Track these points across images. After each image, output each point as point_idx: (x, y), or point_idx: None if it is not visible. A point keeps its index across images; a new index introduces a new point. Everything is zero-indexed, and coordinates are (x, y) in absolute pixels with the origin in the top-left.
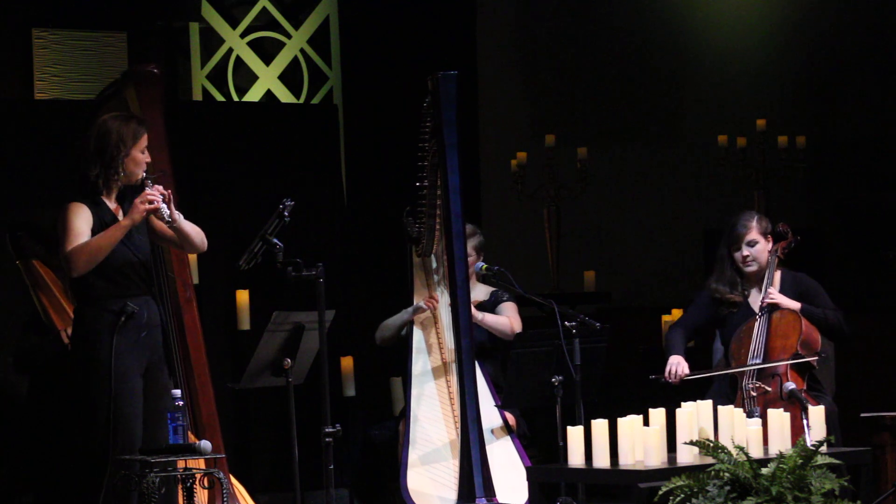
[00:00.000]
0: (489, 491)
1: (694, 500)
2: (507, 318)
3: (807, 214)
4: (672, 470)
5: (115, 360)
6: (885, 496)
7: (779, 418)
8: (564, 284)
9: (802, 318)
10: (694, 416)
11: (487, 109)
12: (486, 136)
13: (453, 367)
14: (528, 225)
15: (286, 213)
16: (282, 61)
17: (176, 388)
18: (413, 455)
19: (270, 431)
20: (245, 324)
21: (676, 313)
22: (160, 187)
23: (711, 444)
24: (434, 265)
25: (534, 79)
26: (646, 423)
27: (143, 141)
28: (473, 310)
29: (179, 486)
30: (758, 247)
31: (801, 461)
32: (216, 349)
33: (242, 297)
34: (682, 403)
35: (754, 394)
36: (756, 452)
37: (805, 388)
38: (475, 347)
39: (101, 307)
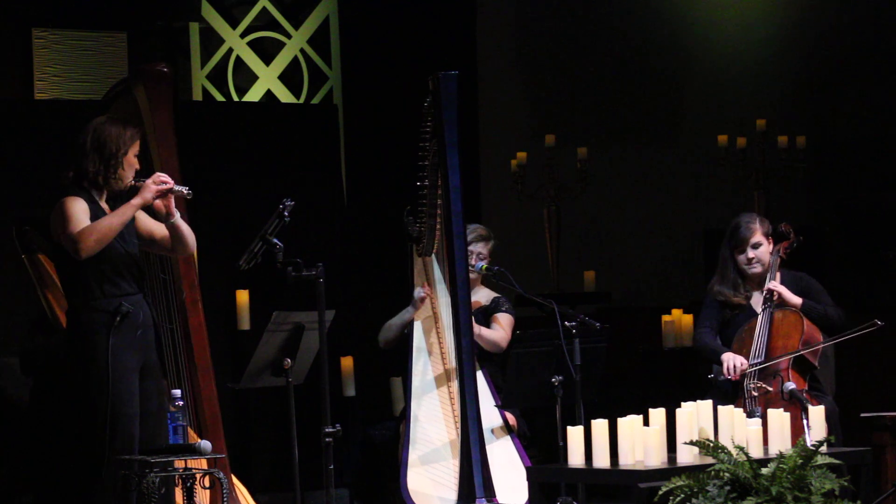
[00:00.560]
0: (489, 491)
1: (694, 500)
2: (501, 332)
3: (807, 214)
4: (672, 470)
5: (112, 360)
6: (885, 496)
7: (779, 418)
8: (564, 284)
9: (804, 318)
10: (694, 416)
11: (487, 109)
12: (486, 136)
13: (453, 367)
14: (528, 225)
15: (286, 213)
16: (282, 61)
17: (176, 388)
18: (413, 455)
19: (270, 431)
20: (245, 324)
21: (676, 313)
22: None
23: (711, 444)
24: (434, 265)
25: (534, 79)
26: (646, 423)
27: (137, 145)
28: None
29: (178, 487)
30: (762, 249)
31: (801, 461)
32: (216, 349)
33: (242, 297)
34: (682, 403)
35: (755, 394)
36: (756, 452)
37: (806, 388)
38: (475, 348)
39: (97, 307)
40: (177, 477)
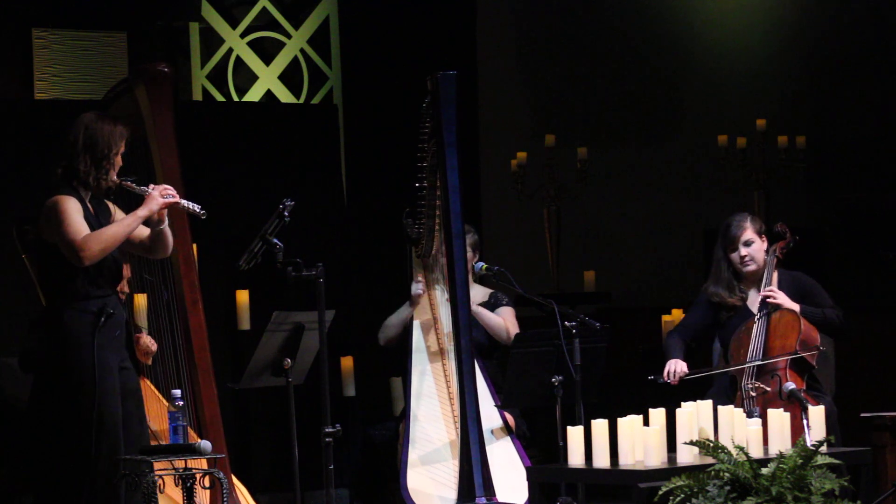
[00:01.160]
0: (489, 490)
1: (694, 500)
2: (502, 319)
3: (807, 214)
4: (672, 470)
5: (97, 359)
6: (885, 496)
7: (779, 418)
8: (564, 284)
9: (801, 318)
10: (694, 416)
11: (487, 109)
12: (486, 136)
13: (453, 367)
14: (528, 225)
15: (286, 213)
16: (282, 61)
17: (176, 388)
18: (413, 454)
19: (270, 431)
20: (245, 324)
21: (676, 313)
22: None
23: (711, 444)
24: (433, 266)
25: (534, 79)
26: (646, 423)
27: (123, 144)
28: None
29: (178, 487)
30: (754, 246)
31: (801, 461)
32: (216, 349)
33: (242, 297)
34: (682, 403)
35: (754, 394)
36: (756, 452)
37: (805, 388)
38: (475, 347)
39: (83, 308)
40: (177, 477)
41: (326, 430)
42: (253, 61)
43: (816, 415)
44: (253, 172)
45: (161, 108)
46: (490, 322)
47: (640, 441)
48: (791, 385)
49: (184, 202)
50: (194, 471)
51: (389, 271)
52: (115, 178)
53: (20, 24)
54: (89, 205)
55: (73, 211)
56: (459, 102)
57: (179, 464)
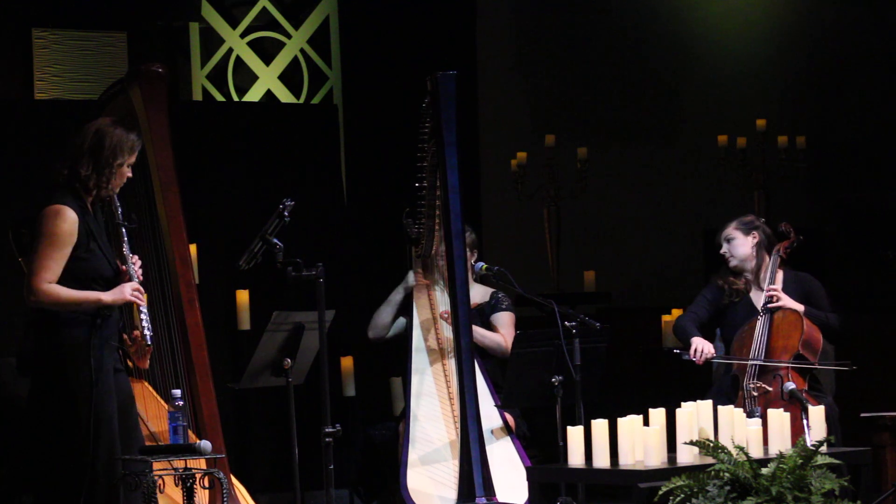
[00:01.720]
0: (489, 490)
1: (694, 500)
2: (500, 336)
3: (807, 214)
4: (672, 470)
5: (94, 360)
6: (885, 496)
7: (779, 418)
8: (564, 284)
9: (804, 318)
10: (694, 416)
11: (487, 109)
12: (486, 136)
13: (453, 366)
14: (528, 225)
15: (286, 213)
16: (282, 61)
17: (175, 388)
18: (413, 454)
19: (270, 431)
20: (245, 324)
21: (676, 313)
22: (139, 265)
23: (711, 444)
24: (433, 266)
25: (534, 79)
26: (646, 423)
27: (134, 157)
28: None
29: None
30: (734, 242)
31: (801, 461)
32: (216, 349)
33: (242, 297)
34: (682, 403)
35: (755, 394)
36: (756, 452)
37: (806, 388)
38: (475, 347)
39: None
40: (176, 477)
41: (326, 430)
42: (253, 61)
43: (817, 415)
44: (253, 172)
45: (156, 109)
46: (486, 342)
47: (640, 441)
48: (791, 385)
49: (142, 316)
50: (194, 471)
51: (389, 271)
52: (116, 189)
53: (20, 24)
54: (90, 209)
55: (62, 241)
56: (459, 102)
57: (179, 464)
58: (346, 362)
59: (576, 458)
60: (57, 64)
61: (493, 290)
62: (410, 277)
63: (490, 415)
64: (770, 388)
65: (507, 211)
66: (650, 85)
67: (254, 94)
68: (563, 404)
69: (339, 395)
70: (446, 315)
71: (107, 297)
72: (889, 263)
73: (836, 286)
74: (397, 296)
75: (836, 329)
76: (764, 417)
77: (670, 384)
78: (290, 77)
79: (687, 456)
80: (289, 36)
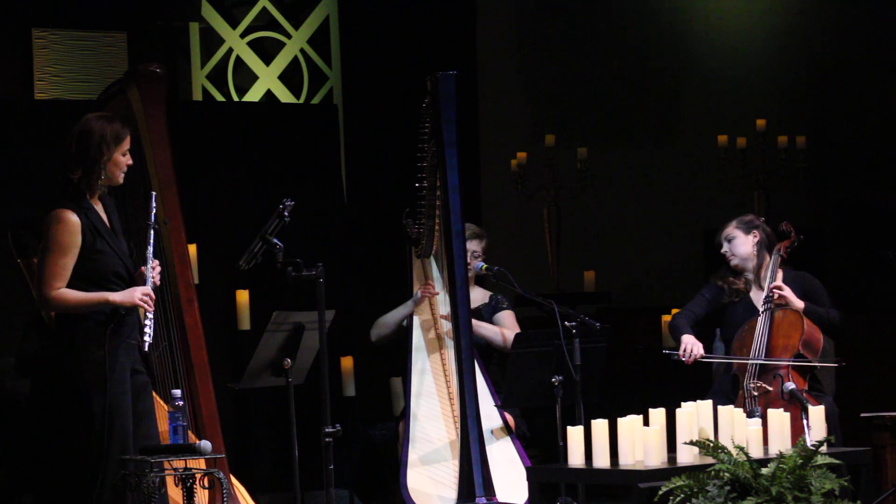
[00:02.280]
0: (489, 490)
1: (694, 500)
2: (498, 328)
3: (807, 214)
4: (672, 470)
5: (109, 359)
6: (885, 496)
7: (779, 418)
8: (564, 284)
9: (805, 318)
10: (694, 416)
11: (487, 109)
12: (486, 136)
13: (453, 366)
14: (528, 225)
15: (286, 213)
16: (282, 61)
17: (175, 388)
18: (413, 454)
19: (270, 431)
20: (245, 324)
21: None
22: (158, 270)
23: (711, 444)
24: (434, 266)
25: (534, 79)
26: (646, 423)
27: (126, 143)
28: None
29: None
30: (735, 241)
31: (801, 461)
32: (216, 349)
33: (242, 297)
34: (682, 403)
35: (755, 393)
36: (756, 452)
37: (806, 387)
38: (475, 347)
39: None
40: (177, 477)
41: (326, 430)
42: (253, 61)
43: (816, 415)
44: (253, 172)
45: (154, 108)
46: (485, 333)
47: (640, 441)
48: (791, 385)
49: (146, 322)
50: (194, 471)
51: (389, 271)
52: (120, 176)
53: (20, 24)
54: (97, 206)
55: (65, 247)
56: (459, 102)
57: (179, 464)
58: (346, 362)
59: (576, 458)
60: (57, 64)
61: (490, 293)
62: (418, 294)
63: (490, 415)
64: (770, 388)
65: (507, 211)
66: (650, 85)
67: (254, 94)
68: (563, 404)
69: (339, 395)
70: (446, 316)
71: (114, 297)
72: (889, 263)
73: (836, 286)
74: (402, 311)
75: (837, 325)
76: (764, 417)
77: (670, 384)
78: (290, 77)
79: (687, 456)
80: (289, 36)
